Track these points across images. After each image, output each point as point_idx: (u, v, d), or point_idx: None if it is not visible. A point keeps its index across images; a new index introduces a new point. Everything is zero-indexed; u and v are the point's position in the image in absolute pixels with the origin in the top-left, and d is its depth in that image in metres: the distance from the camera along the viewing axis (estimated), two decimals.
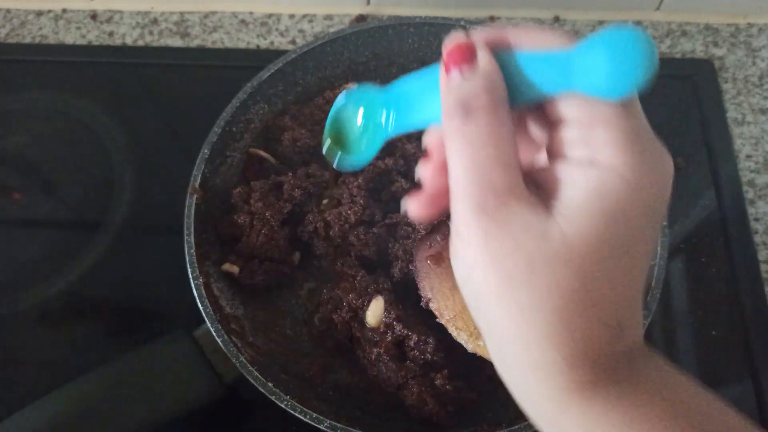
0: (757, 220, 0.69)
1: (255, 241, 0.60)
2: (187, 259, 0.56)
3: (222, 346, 0.53)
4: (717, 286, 0.65)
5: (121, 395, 0.51)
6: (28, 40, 0.85)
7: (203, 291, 0.55)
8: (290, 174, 0.63)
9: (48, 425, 0.49)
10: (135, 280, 0.68)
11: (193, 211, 0.58)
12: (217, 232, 0.62)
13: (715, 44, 0.80)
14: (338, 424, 0.49)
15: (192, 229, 0.58)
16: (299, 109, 0.69)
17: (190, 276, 0.55)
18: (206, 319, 0.54)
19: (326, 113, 0.68)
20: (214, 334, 0.53)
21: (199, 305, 0.54)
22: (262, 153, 0.66)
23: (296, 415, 0.50)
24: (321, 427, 0.50)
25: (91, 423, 0.50)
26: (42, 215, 0.72)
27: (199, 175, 0.60)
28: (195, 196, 0.59)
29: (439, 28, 0.68)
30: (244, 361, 0.52)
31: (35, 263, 0.69)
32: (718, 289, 0.65)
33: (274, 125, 0.68)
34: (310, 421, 0.50)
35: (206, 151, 0.61)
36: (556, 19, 0.83)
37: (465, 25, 0.67)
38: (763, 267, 0.66)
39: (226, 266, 0.60)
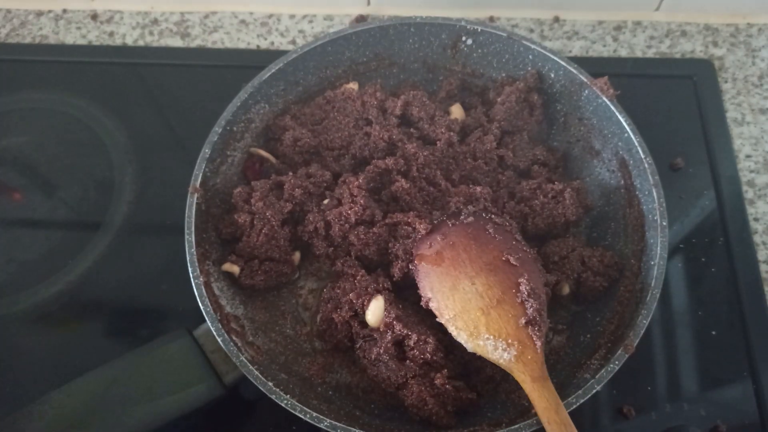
0: (756, 219, 0.69)
1: (255, 241, 0.60)
2: (188, 258, 0.56)
3: (222, 345, 0.53)
4: (717, 285, 0.65)
5: (121, 394, 0.51)
6: (28, 40, 0.85)
7: (203, 290, 0.55)
8: (290, 174, 0.63)
9: (49, 423, 0.49)
10: (135, 280, 0.68)
11: (194, 210, 0.58)
12: (218, 231, 0.62)
13: (715, 44, 0.80)
14: (338, 424, 0.49)
15: (192, 228, 0.58)
16: (300, 109, 0.69)
17: (191, 275, 0.55)
18: (206, 318, 0.54)
19: (326, 113, 0.69)
20: (215, 333, 0.53)
21: (200, 304, 0.54)
22: (263, 152, 0.67)
23: (296, 414, 0.50)
24: (321, 426, 0.50)
25: (91, 422, 0.50)
26: (42, 215, 0.72)
27: (200, 175, 0.60)
28: (196, 195, 0.59)
29: (439, 28, 0.68)
30: (245, 360, 0.52)
31: (35, 263, 0.69)
32: (718, 289, 0.65)
33: (274, 125, 0.68)
34: (310, 420, 0.50)
35: (207, 150, 0.61)
36: (556, 19, 0.83)
37: (465, 24, 0.67)
38: (762, 267, 0.66)
39: (227, 266, 0.60)
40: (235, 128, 0.65)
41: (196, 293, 0.55)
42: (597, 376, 0.50)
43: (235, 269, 0.60)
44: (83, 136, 0.76)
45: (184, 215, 0.58)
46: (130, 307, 0.67)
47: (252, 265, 0.61)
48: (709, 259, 0.66)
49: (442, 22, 0.68)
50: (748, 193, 0.70)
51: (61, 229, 0.71)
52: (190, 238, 0.57)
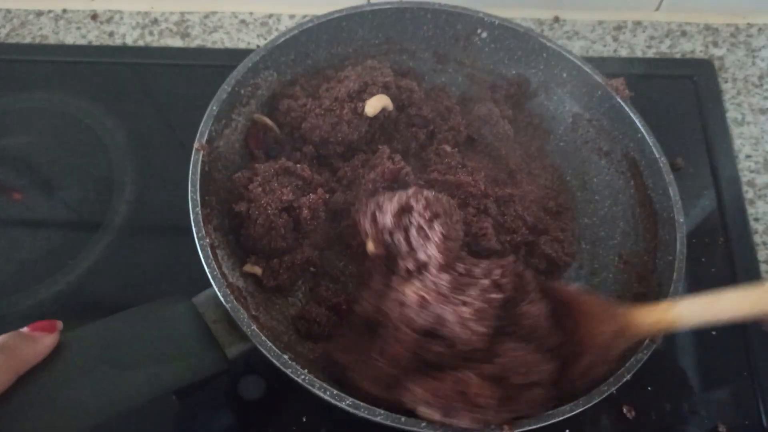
0: (756, 220, 0.69)
1: (254, 233, 0.56)
2: (192, 218, 0.52)
3: (230, 312, 0.47)
4: (717, 286, 0.64)
5: (117, 356, 0.45)
6: (28, 40, 0.85)
7: (209, 252, 0.50)
8: (312, 194, 0.57)
9: (37, 380, 0.42)
10: (135, 280, 0.67)
11: (199, 168, 0.54)
12: (221, 202, 0.59)
13: (715, 44, 0.80)
14: (361, 403, 0.44)
15: (198, 186, 0.53)
16: (307, 81, 0.67)
17: (195, 237, 0.51)
18: (213, 283, 0.48)
19: (335, 89, 0.63)
20: (222, 299, 0.47)
21: (206, 268, 0.50)
22: (267, 120, 0.64)
23: (314, 391, 0.45)
24: (341, 405, 0.45)
25: (83, 385, 0.44)
26: (42, 215, 0.72)
27: (207, 131, 0.57)
28: (201, 153, 0.55)
29: (457, 17, 0.67)
30: (256, 330, 0.46)
31: (35, 263, 0.69)
32: (718, 289, 0.65)
33: (281, 94, 0.66)
34: (329, 398, 0.44)
35: (215, 107, 0.58)
36: (556, 19, 0.83)
37: (483, 16, 0.66)
38: (762, 267, 0.66)
39: (248, 267, 0.56)
40: (242, 91, 0.62)
41: (201, 256, 0.50)
42: (627, 365, 0.50)
43: (257, 270, 0.56)
44: (83, 136, 0.76)
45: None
46: (130, 307, 0.66)
47: (272, 265, 0.56)
48: (709, 259, 0.66)
49: (461, 11, 0.67)
50: (748, 193, 0.70)
51: (61, 229, 0.71)
52: (195, 196, 0.53)
